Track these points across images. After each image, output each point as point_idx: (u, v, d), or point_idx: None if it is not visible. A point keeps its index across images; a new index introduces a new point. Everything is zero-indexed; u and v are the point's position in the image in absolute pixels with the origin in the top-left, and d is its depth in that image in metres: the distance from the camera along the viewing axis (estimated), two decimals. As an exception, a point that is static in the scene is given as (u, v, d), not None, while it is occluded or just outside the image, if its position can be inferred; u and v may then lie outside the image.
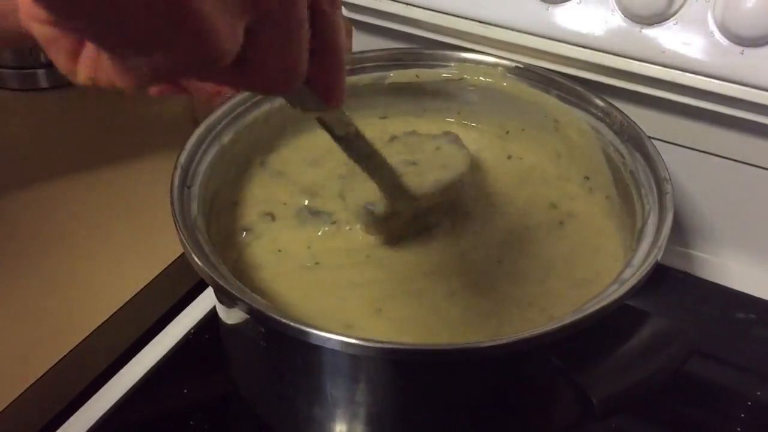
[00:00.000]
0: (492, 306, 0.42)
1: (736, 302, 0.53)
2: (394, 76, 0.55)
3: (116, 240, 0.58)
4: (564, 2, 0.50)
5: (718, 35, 0.46)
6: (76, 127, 0.71)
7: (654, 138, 0.51)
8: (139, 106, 0.71)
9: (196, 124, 0.48)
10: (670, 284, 0.54)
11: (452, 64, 0.54)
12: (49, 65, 0.73)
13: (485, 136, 0.55)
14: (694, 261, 0.56)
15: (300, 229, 0.47)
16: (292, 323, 0.35)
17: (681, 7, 0.47)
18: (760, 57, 0.45)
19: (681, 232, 0.55)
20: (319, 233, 0.47)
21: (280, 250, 0.45)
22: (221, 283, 0.36)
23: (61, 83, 0.73)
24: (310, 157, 0.52)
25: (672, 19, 0.47)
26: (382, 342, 0.36)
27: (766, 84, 0.45)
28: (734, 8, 0.44)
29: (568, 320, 0.35)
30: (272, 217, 0.48)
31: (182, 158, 0.44)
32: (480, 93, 0.54)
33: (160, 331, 0.51)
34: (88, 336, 0.51)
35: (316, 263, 0.45)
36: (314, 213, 0.48)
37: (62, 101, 0.73)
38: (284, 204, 0.49)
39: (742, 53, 0.45)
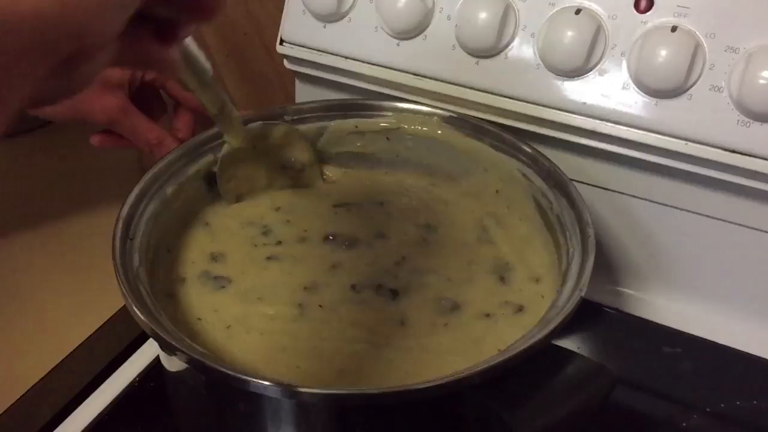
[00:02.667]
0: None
1: (663, 337, 0.56)
2: (335, 125, 0.57)
3: (61, 291, 0.58)
4: (492, 57, 0.52)
5: (633, 88, 0.49)
6: (22, 179, 0.71)
7: (581, 182, 0.54)
8: (87, 156, 0.72)
9: (143, 173, 0.49)
10: (602, 321, 0.57)
11: (390, 114, 0.57)
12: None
13: (420, 182, 0.57)
14: (624, 298, 0.58)
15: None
16: (229, 372, 0.36)
17: (599, 62, 0.50)
18: (673, 108, 0.48)
19: (611, 271, 0.58)
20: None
21: (216, 310, 0.46)
22: (160, 333, 0.37)
23: (6, 133, 0.74)
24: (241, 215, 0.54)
25: (591, 73, 0.50)
26: (318, 388, 0.37)
27: (679, 132, 0.48)
28: (646, 63, 0.48)
29: (494, 361, 0.37)
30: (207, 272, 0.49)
31: (124, 211, 0.45)
32: (416, 141, 0.57)
33: (105, 379, 0.52)
34: (32, 386, 0.51)
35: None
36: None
37: (9, 152, 0.73)
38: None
39: (656, 104, 0.49)
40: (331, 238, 0.52)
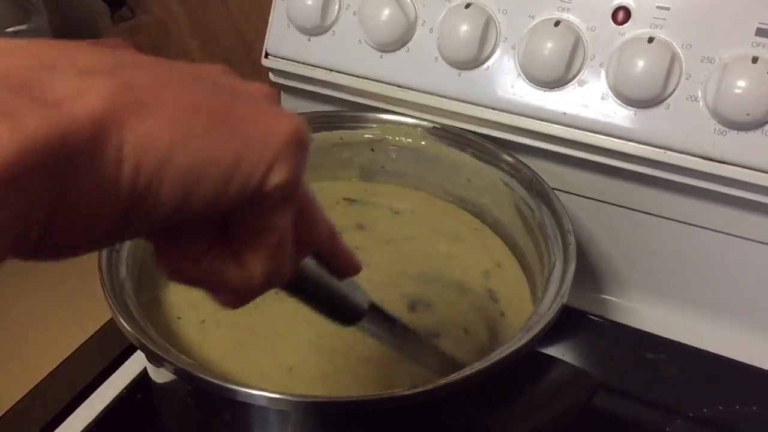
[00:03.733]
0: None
1: (646, 343, 0.56)
2: (320, 137, 0.57)
3: (49, 303, 0.59)
4: (474, 68, 0.53)
5: (612, 98, 0.50)
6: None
7: (562, 191, 0.55)
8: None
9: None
10: (586, 328, 0.58)
11: (374, 126, 0.58)
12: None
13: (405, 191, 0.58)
14: (607, 305, 0.59)
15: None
16: (215, 381, 0.37)
17: (578, 72, 0.51)
18: (651, 117, 0.49)
19: (594, 279, 0.59)
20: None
21: (194, 306, 0.47)
22: (147, 344, 0.38)
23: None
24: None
25: (571, 84, 0.51)
26: (301, 396, 0.37)
27: (657, 142, 0.49)
28: (625, 73, 0.49)
29: (477, 367, 0.38)
30: None
31: (111, 224, 0.45)
32: (400, 152, 0.57)
33: (94, 391, 0.52)
34: (20, 399, 0.51)
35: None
36: None
37: None
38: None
39: (635, 114, 0.50)
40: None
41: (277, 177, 0.23)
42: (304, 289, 0.31)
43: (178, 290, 0.47)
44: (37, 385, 0.53)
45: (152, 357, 0.39)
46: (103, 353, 0.56)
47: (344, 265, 0.32)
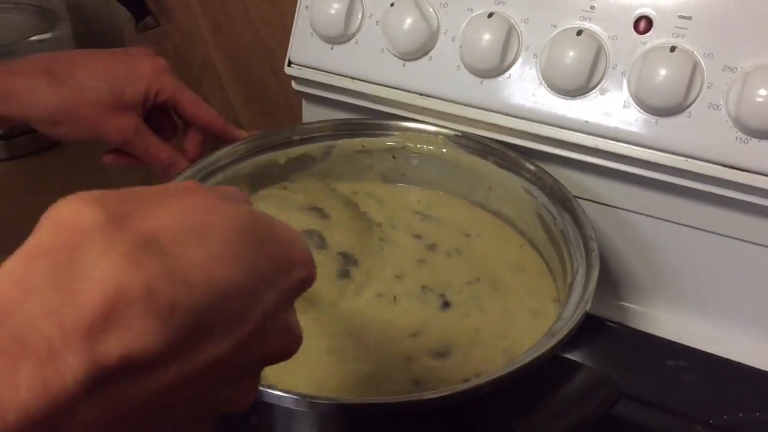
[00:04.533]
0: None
1: (666, 350, 0.56)
2: (342, 145, 0.58)
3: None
4: (496, 77, 0.54)
5: (634, 106, 0.50)
6: (35, 198, 0.72)
7: (584, 198, 0.55)
8: (97, 175, 0.73)
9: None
10: (606, 335, 0.58)
11: (396, 133, 0.58)
12: (7, 137, 0.75)
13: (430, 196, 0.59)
14: (627, 313, 0.59)
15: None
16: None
17: (600, 81, 0.51)
18: (672, 126, 0.49)
19: (614, 286, 0.59)
20: None
21: None
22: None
23: (18, 154, 0.75)
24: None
25: (593, 92, 0.51)
26: (330, 399, 0.38)
27: (678, 149, 0.50)
28: (647, 82, 0.49)
29: (502, 371, 0.38)
30: None
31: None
32: (421, 159, 0.58)
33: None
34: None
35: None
36: None
37: (21, 172, 0.74)
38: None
39: (657, 122, 0.50)
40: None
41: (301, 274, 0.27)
42: None
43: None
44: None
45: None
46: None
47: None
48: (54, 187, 0.74)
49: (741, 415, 0.52)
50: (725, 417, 0.52)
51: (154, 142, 0.57)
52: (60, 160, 0.73)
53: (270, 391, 0.37)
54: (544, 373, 0.40)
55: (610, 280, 0.59)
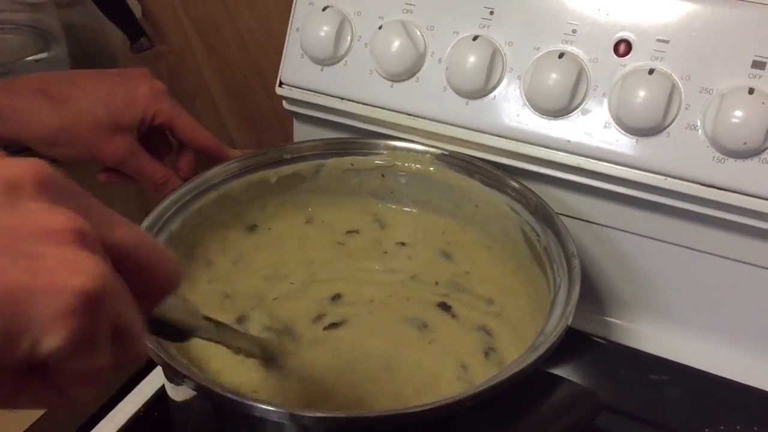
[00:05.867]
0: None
1: (649, 365, 0.57)
2: (331, 163, 0.59)
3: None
4: (481, 98, 0.55)
5: (614, 127, 0.52)
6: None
7: (567, 215, 0.56)
8: (94, 191, 0.74)
9: (147, 211, 0.52)
10: (590, 349, 0.59)
11: (384, 152, 0.59)
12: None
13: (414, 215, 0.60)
14: (611, 327, 0.60)
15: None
16: (235, 397, 0.38)
17: (582, 102, 0.53)
18: (652, 146, 0.51)
19: (598, 301, 0.60)
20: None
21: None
22: (169, 362, 0.39)
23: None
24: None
25: (575, 112, 0.53)
26: (320, 412, 0.39)
27: (658, 169, 0.51)
28: (626, 103, 0.51)
29: (484, 386, 0.39)
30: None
31: (133, 246, 0.47)
32: (409, 178, 0.59)
33: (112, 408, 0.54)
34: (38, 418, 0.53)
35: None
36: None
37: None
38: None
39: (636, 142, 0.51)
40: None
41: (50, 343, 0.21)
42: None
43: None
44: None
45: (172, 373, 0.40)
46: (119, 372, 0.57)
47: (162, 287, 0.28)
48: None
49: (722, 428, 0.53)
50: (706, 430, 0.53)
51: (148, 162, 0.58)
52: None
53: (257, 405, 0.38)
54: (526, 387, 0.42)
55: (594, 296, 0.60)
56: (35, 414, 0.53)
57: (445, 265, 0.56)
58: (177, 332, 0.36)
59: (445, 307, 0.52)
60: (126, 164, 0.58)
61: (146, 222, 0.50)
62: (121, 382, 0.56)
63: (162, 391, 0.53)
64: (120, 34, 0.74)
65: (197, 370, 0.41)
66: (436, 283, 0.54)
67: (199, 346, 0.46)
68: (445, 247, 0.57)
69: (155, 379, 0.55)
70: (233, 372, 0.46)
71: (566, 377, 0.55)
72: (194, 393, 0.41)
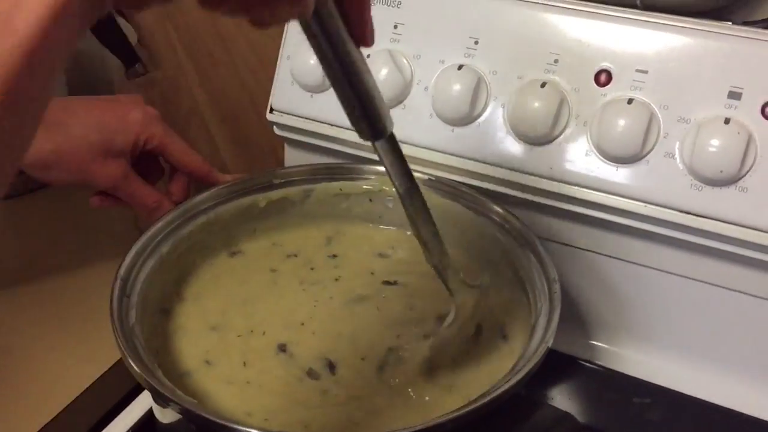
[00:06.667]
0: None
1: (633, 388, 0.58)
2: (321, 188, 0.60)
3: (57, 346, 0.61)
4: (466, 125, 0.57)
5: (595, 154, 0.53)
6: (23, 237, 0.74)
7: (551, 240, 0.58)
8: (85, 215, 0.75)
9: (140, 233, 0.53)
10: (574, 372, 0.60)
11: (372, 177, 0.61)
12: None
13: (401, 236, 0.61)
14: (594, 350, 0.61)
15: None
16: (220, 420, 0.39)
17: (563, 130, 0.54)
18: (632, 173, 0.52)
19: (582, 324, 0.61)
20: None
21: (207, 361, 0.49)
22: (155, 386, 0.40)
23: (7, 194, 0.77)
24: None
25: (557, 140, 0.54)
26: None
27: (637, 195, 0.52)
28: (606, 132, 0.52)
29: (463, 410, 0.40)
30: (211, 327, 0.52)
31: (122, 270, 0.48)
32: (397, 202, 0.60)
33: (101, 430, 0.54)
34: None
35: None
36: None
37: (10, 211, 0.76)
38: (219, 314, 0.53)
39: (617, 170, 0.53)
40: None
41: None
42: (329, 33, 0.35)
43: (187, 341, 0.50)
44: (45, 425, 0.55)
45: (158, 397, 0.41)
46: (108, 396, 0.58)
47: (361, 30, 0.36)
48: (42, 226, 0.76)
49: (704, 450, 0.54)
50: (688, 453, 0.54)
51: (140, 187, 0.59)
52: (48, 200, 0.76)
53: (247, 429, 0.39)
54: (505, 411, 0.42)
55: (578, 319, 0.61)
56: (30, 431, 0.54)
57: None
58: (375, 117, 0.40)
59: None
60: (118, 188, 0.59)
61: (136, 246, 0.51)
62: (110, 404, 0.57)
63: (150, 413, 0.54)
64: (116, 60, 0.76)
65: (182, 393, 0.42)
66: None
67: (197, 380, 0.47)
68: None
69: (142, 404, 0.56)
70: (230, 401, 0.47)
71: (551, 400, 0.56)
72: (179, 416, 0.42)
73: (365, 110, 0.40)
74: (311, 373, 0.49)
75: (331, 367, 0.49)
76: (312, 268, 0.58)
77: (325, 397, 0.47)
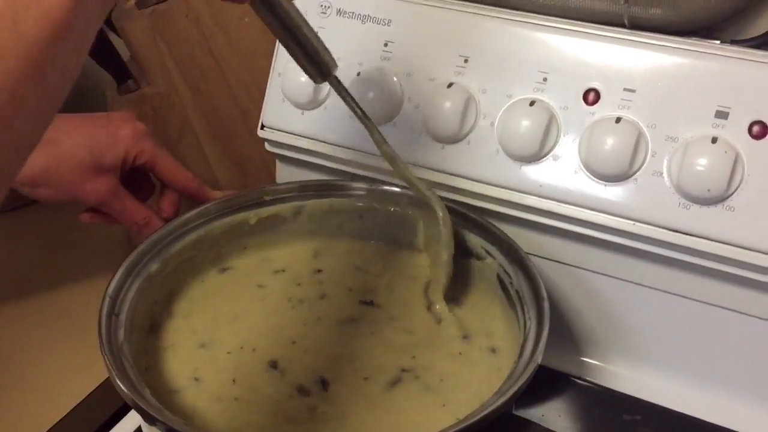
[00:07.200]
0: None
1: (623, 405, 0.58)
2: (311, 205, 0.61)
3: (46, 363, 0.61)
4: (456, 143, 0.57)
5: (583, 172, 0.53)
6: (12, 252, 0.74)
7: (541, 257, 0.58)
8: (75, 230, 0.75)
9: (132, 248, 0.53)
10: (565, 389, 0.60)
11: (363, 194, 0.61)
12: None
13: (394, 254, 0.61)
14: (585, 367, 0.61)
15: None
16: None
17: (552, 148, 0.54)
18: (620, 191, 0.52)
19: (572, 341, 0.61)
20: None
21: (196, 378, 0.49)
22: (142, 405, 0.40)
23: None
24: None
25: (546, 158, 0.54)
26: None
27: (626, 213, 0.52)
28: (595, 150, 0.52)
29: (452, 429, 0.40)
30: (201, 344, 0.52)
31: (110, 289, 0.48)
32: (388, 219, 0.60)
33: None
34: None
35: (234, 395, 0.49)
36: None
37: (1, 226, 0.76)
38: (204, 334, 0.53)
39: (605, 187, 0.53)
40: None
41: None
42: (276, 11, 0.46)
43: (176, 359, 0.50)
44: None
45: (145, 416, 0.41)
46: (95, 415, 0.58)
47: None
48: (32, 242, 0.76)
49: (693, 467, 0.54)
50: (678, 470, 0.54)
51: (130, 203, 0.59)
52: (37, 216, 0.76)
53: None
54: (494, 430, 0.42)
55: (567, 335, 0.61)
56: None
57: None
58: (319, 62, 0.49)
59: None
60: (108, 204, 0.59)
61: (125, 264, 0.51)
62: (100, 420, 0.57)
63: (140, 430, 0.54)
64: (109, 76, 0.76)
65: (170, 412, 0.42)
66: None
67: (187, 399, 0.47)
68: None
69: (134, 418, 0.55)
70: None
71: (541, 416, 0.56)
72: (167, 435, 0.42)
73: (313, 59, 0.50)
74: (302, 390, 0.49)
75: (324, 384, 0.49)
76: (299, 284, 0.58)
77: (313, 413, 0.47)
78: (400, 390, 0.49)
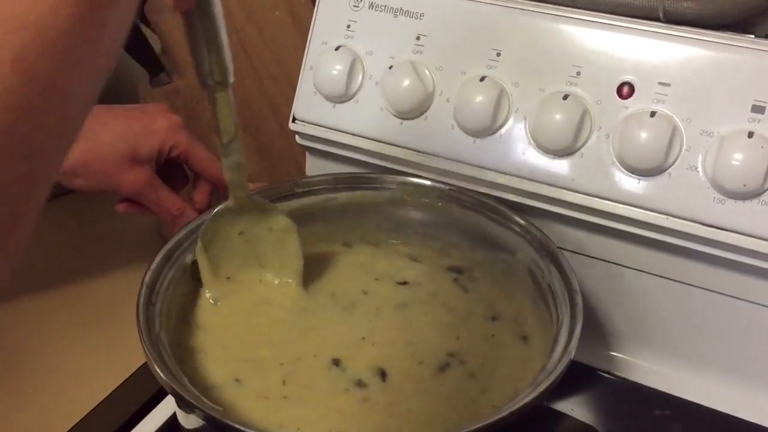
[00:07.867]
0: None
1: (653, 400, 0.58)
2: (341, 197, 0.61)
3: (83, 351, 0.62)
4: (488, 136, 0.57)
5: (617, 167, 0.53)
6: (50, 242, 0.75)
7: (572, 251, 0.58)
8: (110, 221, 0.76)
9: (163, 240, 0.53)
10: (595, 384, 0.60)
11: (393, 187, 0.61)
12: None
13: (424, 252, 0.61)
14: (615, 362, 0.61)
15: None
16: (244, 428, 0.40)
17: (586, 142, 0.54)
18: (654, 186, 0.52)
19: (602, 336, 0.61)
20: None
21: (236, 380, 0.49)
22: (180, 392, 0.41)
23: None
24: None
25: (578, 152, 0.54)
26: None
27: (660, 208, 0.52)
28: (629, 144, 0.52)
29: (486, 420, 0.40)
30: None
31: (148, 277, 0.49)
32: (418, 212, 0.61)
33: (124, 435, 0.55)
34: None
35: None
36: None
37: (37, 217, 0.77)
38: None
39: (639, 182, 0.53)
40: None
41: None
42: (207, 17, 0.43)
43: (211, 352, 0.50)
44: (70, 429, 0.55)
45: (183, 403, 0.42)
46: (132, 400, 0.59)
47: None
48: (67, 231, 0.77)
49: (724, 463, 0.54)
50: (708, 465, 0.54)
51: (164, 194, 0.60)
52: (73, 206, 0.77)
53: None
54: (528, 423, 0.43)
55: (598, 330, 0.61)
56: None
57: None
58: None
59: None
60: (143, 195, 0.60)
61: (161, 253, 0.51)
62: (134, 408, 0.58)
63: (174, 418, 0.55)
64: (141, 69, 0.77)
65: (206, 399, 0.42)
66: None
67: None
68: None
69: (167, 406, 0.56)
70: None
71: (570, 411, 0.56)
72: (203, 422, 0.43)
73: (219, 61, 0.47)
74: (359, 384, 0.49)
75: (383, 375, 0.50)
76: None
77: (364, 404, 0.47)
78: (449, 375, 0.50)
